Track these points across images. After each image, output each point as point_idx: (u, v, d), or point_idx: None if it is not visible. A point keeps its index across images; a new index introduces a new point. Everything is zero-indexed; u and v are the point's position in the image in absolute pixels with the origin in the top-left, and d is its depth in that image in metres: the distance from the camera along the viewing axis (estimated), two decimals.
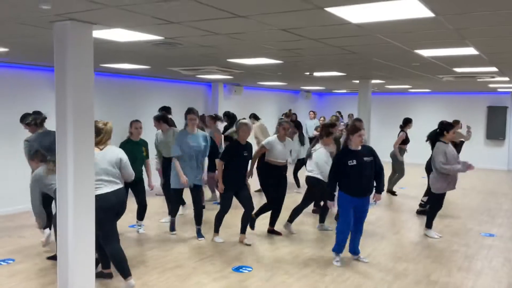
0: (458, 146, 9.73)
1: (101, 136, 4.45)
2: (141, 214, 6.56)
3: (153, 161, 7.19)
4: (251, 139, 6.52)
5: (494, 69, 7.47)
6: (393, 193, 9.78)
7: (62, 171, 3.85)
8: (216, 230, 6.23)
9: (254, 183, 7.30)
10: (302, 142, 9.61)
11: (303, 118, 15.16)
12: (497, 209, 8.64)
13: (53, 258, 5.18)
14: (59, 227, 3.97)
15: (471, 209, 8.75)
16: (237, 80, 11.25)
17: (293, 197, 8.46)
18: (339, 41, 4.93)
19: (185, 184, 6.07)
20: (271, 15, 3.63)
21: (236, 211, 6.57)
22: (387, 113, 16.00)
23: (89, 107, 3.88)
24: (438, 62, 6.70)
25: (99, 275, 4.65)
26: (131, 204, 6.37)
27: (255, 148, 6.61)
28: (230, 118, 9.63)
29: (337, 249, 5.44)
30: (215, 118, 8.92)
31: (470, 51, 5.44)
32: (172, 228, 6.59)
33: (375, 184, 5.37)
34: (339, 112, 15.52)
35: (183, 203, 7.28)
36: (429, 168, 7.10)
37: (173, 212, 6.67)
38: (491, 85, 11.63)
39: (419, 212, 8.05)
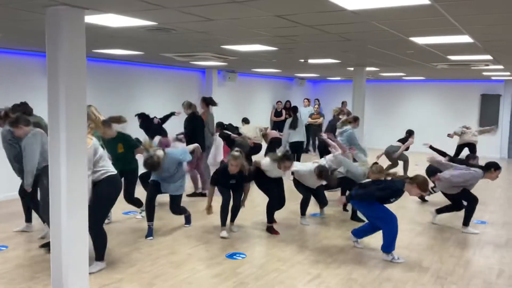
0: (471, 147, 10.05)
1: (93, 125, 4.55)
2: (134, 205, 6.55)
3: None
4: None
5: (488, 57, 7.47)
6: None
7: (54, 157, 3.82)
8: (223, 224, 5.99)
9: None
10: (294, 127, 9.68)
11: (297, 106, 15.17)
12: (489, 197, 8.71)
13: (46, 245, 5.17)
14: (52, 216, 3.95)
15: None
16: (232, 66, 11.19)
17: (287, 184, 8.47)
18: (334, 28, 4.90)
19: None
20: (265, 1, 3.59)
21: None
22: (381, 101, 16.04)
23: (82, 93, 3.84)
24: (433, 50, 6.69)
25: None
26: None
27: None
28: (223, 128, 9.75)
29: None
30: (207, 101, 8.71)
31: (465, 39, 5.43)
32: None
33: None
34: (318, 100, 15.44)
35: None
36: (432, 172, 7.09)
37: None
38: (485, 73, 11.65)
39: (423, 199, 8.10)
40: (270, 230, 6.17)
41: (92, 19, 4.41)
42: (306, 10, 3.94)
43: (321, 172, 6.20)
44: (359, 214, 6.53)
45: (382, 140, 9.75)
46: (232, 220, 6.16)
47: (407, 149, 9.56)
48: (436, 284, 4.54)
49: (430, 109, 15.41)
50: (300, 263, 5.07)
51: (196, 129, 8.04)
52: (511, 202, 8.38)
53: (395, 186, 5.09)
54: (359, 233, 5.61)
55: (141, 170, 6.17)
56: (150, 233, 5.84)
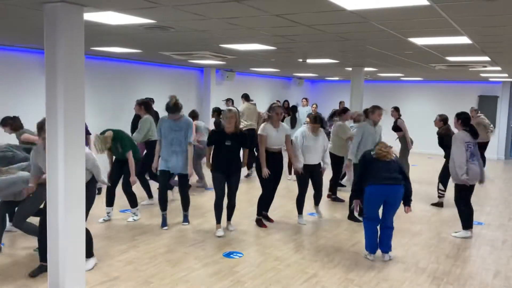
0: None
1: None
2: (129, 202, 6.50)
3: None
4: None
5: (486, 58, 7.49)
6: None
7: (52, 155, 3.81)
8: (218, 221, 5.99)
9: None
10: (293, 125, 9.69)
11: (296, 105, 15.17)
12: (485, 198, 8.73)
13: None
14: (49, 214, 3.94)
15: None
16: (230, 65, 11.18)
17: (284, 183, 8.47)
18: (333, 27, 4.90)
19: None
20: (265, 0, 3.59)
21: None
22: (379, 101, 15.95)
23: (80, 90, 3.83)
24: (431, 51, 6.70)
25: (41, 270, 4.49)
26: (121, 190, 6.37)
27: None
28: (219, 113, 9.67)
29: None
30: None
31: (464, 40, 5.43)
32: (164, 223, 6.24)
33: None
34: (306, 99, 15.21)
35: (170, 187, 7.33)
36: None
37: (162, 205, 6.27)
38: (482, 75, 11.68)
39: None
40: (259, 223, 6.36)
41: (90, 16, 4.40)
42: (305, 10, 3.94)
43: (315, 118, 6.40)
44: (357, 214, 6.55)
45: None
46: (229, 218, 6.16)
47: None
48: (432, 285, 4.55)
49: (427, 110, 15.40)
50: (296, 262, 5.07)
51: None
52: (508, 203, 8.40)
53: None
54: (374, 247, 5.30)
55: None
56: (164, 222, 6.16)
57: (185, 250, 5.36)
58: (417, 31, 4.96)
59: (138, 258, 5.05)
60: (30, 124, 5.84)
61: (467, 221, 6.14)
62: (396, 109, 9.68)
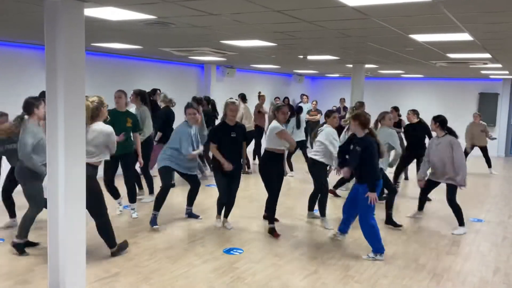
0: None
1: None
2: (128, 196, 6.45)
3: None
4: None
5: (487, 55, 7.48)
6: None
7: (52, 151, 3.81)
8: (219, 212, 6.14)
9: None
10: (298, 126, 9.63)
11: (295, 101, 15.16)
12: (485, 195, 8.74)
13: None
14: (50, 209, 3.94)
15: (460, 195, 8.81)
16: (230, 62, 11.17)
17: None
18: (334, 24, 4.89)
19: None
20: None
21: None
22: (380, 98, 16.00)
23: (80, 86, 3.83)
24: (432, 48, 6.69)
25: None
26: (122, 185, 6.37)
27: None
28: (209, 103, 9.65)
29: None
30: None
31: (465, 36, 5.42)
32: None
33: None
34: (306, 96, 14.98)
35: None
36: None
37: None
38: (483, 72, 11.67)
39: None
40: (271, 231, 5.85)
41: (91, 12, 4.39)
42: (307, 6, 3.93)
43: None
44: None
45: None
46: (226, 215, 6.13)
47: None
48: (432, 281, 4.55)
49: (428, 107, 15.36)
50: (297, 259, 5.07)
51: None
52: (508, 200, 8.41)
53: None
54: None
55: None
56: (154, 221, 5.97)
57: (185, 246, 5.36)
58: (418, 27, 4.94)
59: (139, 254, 5.05)
60: None
61: (462, 218, 6.22)
62: (396, 109, 9.55)
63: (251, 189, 8.27)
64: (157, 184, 6.60)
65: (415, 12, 4.07)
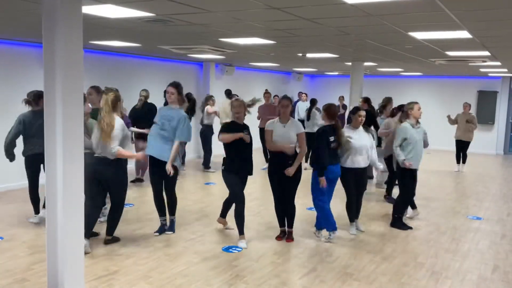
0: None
1: None
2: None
3: None
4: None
5: (486, 53, 7.48)
6: None
7: (50, 150, 3.79)
8: (224, 215, 5.84)
9: None
10: (308, 118, 9.86)
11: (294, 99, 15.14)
12: (484, 193, 8.74)
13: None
14: (48, 207, 3.93)
15: (459, 192, 8.86)
16: (229, 60, 11.16)
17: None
18: (333, 21, 4.88)
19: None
20: None
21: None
22: (379, 96, 15.93)
23: (78, 84, 3.81)
24: (432, 45, 6.68)
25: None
26: None
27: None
28: (190, 100, 9.65)
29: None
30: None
31: (464, 34, 5.42)
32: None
33: None
34: (305, 94, 14.78)
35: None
36: None
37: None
38: (482, 70, 11.67)
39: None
40: (288, 236, 5.55)
41: (89, 9, 4.38)
42: (306, 3, 3.92)
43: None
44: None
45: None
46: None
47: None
48: (431, 279, 4.55)
49: (427, 105, 15.38)
50: (296, 257, 5.07)
51: None
52: (507, 198, 8.41)
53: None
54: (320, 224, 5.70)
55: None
56: (160, 228, 5.69)
57: (184, 244, 5.35)
58: (418, 25, 4.94)
59: (137, 252, 5.04)
60: None
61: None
62: (366, 100, 8.90)
63: (251, 188, 8.27)
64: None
65: (414, 9, 4.06)
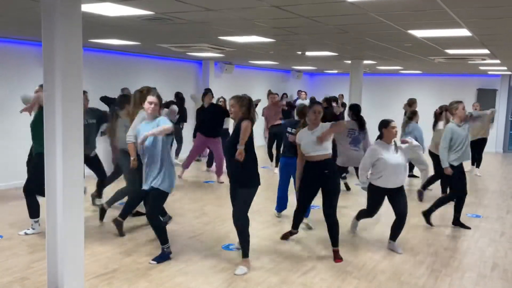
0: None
1: None
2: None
3: None
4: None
5: (486, 51, 7.48)
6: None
7: (50, 148, 3.79)
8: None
9: None
10: None
11: (293, 98, 15.14)
12: (483, 191, 8.75)
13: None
14: (48, 205, 3.93)
15: None
16: (229, 58, 11.15)
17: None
18: (333, 19, 4.88)
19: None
20: None
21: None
22: (378, 94, 16.02)
23: (78, 83, 3.81)
24: (431, 43, 6.68)
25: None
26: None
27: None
28: (179, 99, 9.67)
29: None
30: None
31: (463, 32, 5.42)
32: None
33: None
34: (305, 92, 14.50)
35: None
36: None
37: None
38: (481, 68, 11.67)
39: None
40: (336, 255, 4.97)
41: (88, 7, 4.37)
42: (305, 1, 3.92)
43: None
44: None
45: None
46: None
47: None
48: (430, 277, 4.56)
49: (426, 103, 15.39)
50: (295, 255, 5.08)
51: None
52: (505, 196, 8.42)
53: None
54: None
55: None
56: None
57: (183, 242, 5.36)
58: (417, 23, 4.94)
59: (137, 250, 5.04)
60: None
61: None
62: (327, 100, 9.48)
63: None
64: None
65: (413, 7, 4.06)
